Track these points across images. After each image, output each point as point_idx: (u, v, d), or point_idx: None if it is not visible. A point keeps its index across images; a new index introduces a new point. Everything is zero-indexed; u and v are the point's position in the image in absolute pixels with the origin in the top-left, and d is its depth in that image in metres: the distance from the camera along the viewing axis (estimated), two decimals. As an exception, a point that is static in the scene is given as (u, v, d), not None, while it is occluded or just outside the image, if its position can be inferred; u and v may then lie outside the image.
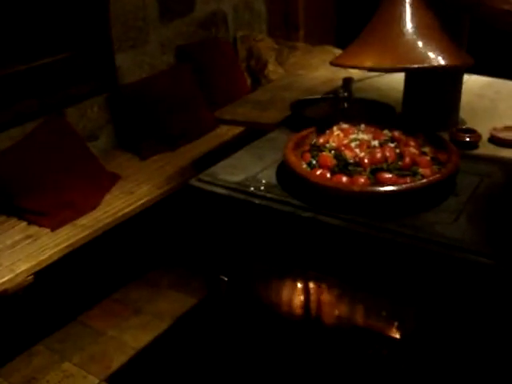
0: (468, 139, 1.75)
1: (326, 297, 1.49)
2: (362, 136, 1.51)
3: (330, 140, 1.51)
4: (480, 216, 1.36)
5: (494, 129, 1.83)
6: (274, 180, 1.54)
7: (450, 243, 1.26)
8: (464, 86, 1.88)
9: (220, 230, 1.59)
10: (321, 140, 1.54)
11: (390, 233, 1.31)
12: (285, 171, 1.52)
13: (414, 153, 1.46)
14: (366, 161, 1.42)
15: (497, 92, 2.20)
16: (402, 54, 1.48)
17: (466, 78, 1.91)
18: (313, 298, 1.52)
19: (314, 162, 1.48)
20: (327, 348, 1.53)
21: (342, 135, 1.53)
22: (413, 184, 1.36)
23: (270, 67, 3.31)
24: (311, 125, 1.74)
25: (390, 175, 1.39)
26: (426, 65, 1.48)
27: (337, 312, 1.50)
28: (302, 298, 1.54)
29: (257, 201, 1.47)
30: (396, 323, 1.44)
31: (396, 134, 1.53)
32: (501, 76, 2.33)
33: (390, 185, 1.35)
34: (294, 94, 2.40)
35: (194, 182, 1.58)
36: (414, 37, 1.47)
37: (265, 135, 1.88)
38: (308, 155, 1.52)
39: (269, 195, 1.47)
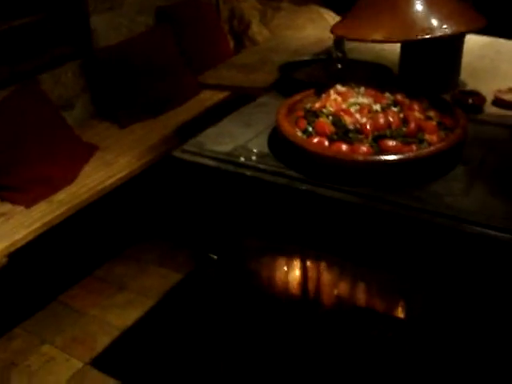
0: (472, 102, 1.63)
1: (326, 276, 1.38)
2: (362, 100, 1.38)
3: (327, 104, 1.38)
4: (493, 186, 1.24)
5: (499, 91, 1.71)
6: (266, 149, 1.41)
7: (460, 216, 1.15)
8: (464, 47, 1.75)
9: (208, 204, 1.46)
10: (317, 105, 1.40)
11: (396, 205, 1.20)
12: (278, 139, 1.39)
13: (418, 118, 1.33)
14: (367, 127, 1.29)
15: (497, 52, 2.08)
16: (414, 23, 1.34)
17: (467, 37, 1.77)
18: (311, 277, 1.41)
19: (311, 128, 1.34)
20: (327, 330, 1.43)
21: (339, 99, 1.39)
22: (420, 152, 1.23)
23: (254, 28, 3.13)
24: (303, 88, 1.60)
25: (395, 143, 1.27)
26: (440, 34, 1.35)
27: (337, 292, 1.39)
28: (299, 277, 1.43)
29: (248, 172, 1.34)
30: (401, 303, 1.34)
31: (399, 97, 1.40)
32: (501, 36, 2.20)
33: (395, 153, 1.23)
34: (283, 55, 2.25)
35: (178, 153, 1.44)
36: (425, 4, 1.33)
37: (253, 100, 1.74)
38: (303, 121, 1.38)
39: (261, 166, 1.34)
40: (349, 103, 1.37)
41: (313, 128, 1.34)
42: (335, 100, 1.39)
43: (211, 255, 1.48)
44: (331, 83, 1.52)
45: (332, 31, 1.47)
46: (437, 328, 1.28)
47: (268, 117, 1.57)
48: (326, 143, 1.30)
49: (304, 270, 1.41)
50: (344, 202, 1.24)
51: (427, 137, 1.30)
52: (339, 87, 1.46)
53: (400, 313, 1.35)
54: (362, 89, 1.44)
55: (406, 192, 1.22)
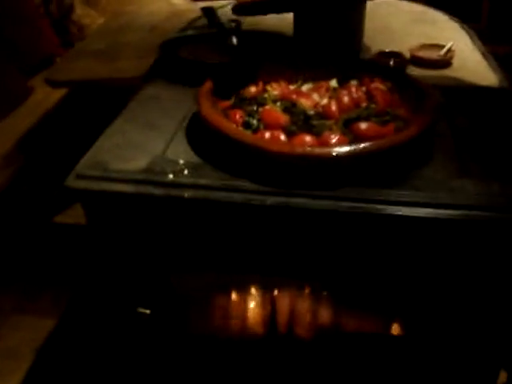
0: (394, 64, 1.43)
1: (303, 305, 1.07)
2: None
3: (268, 87, 1.05)
4: (482, 156, 1.04)
5: (411, 49, 1.54)
6: (195, 157, 1.04)
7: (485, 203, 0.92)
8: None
9: (127, 243, 1.05)
10: (252, 89, 1.06)
11: (403, 204, 0.93)
12: (211, 142, 1.03)
13: (382, 90, 1.07)
14: (333, 109, 0.99)
15: (390, 13, 1.92)
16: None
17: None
18: (282, 309, 1.09)
19: (255, 121, 1.01)
20: (306, 362, 1.13)
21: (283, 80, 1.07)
22: (409, 132, 0.97)
23: (78, 11, 2.62)
24: (198, 71, 1.26)
25: (369, 125, 0.99)
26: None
27: (318, 319, 1.09)
28: (263, 311, 1.10)
29: (186, 193, 0.96)
30: (395, 320, 1.09)
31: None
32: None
33: (380, 138, 0.96)
34: (139, 35, 1.85)
35: (72, 182, 1.00)
36: None
37: (131, 93, 1.34)
38: (238, 113, 1.04)
39: (201, 181, 0.97)
40: (297, 82, 1.06)
41: (258, 120, 1.01)
42: (278, 82, 1.06)
43: (141, 310, 1.08)
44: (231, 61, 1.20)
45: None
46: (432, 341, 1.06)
47: (169, 113, 1.20)
48: (283, 137, 0.98)
49: (271, 302, 1.09)
50: (327, 212, 0.94)
51: (397, 112, 1.04)
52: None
53: (394, 330, 1.09)
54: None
55: (404, 184, 0.96)
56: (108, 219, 1.03)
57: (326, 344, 1.11)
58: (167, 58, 1.40)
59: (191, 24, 1.81)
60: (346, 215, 0.94)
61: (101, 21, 2.55)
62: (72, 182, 1.00)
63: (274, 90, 1.04)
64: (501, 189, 0.95)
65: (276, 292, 1.08)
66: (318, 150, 0.91)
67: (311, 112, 0.99)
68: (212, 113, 1.02)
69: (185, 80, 1.33)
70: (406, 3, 2.05)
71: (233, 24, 1.43)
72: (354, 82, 1.06)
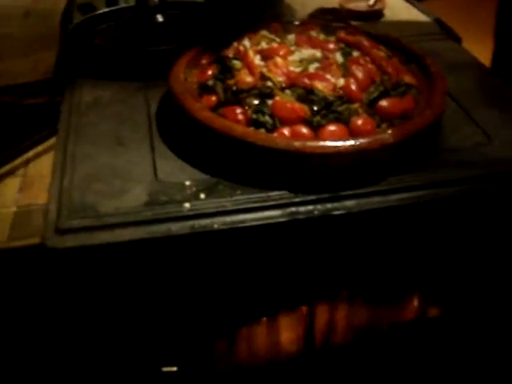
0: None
1: (344, 311, 0.96)
2: (308, 52, 0.92)
3: (268, 74, 0.87)
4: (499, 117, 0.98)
5: (340, 2, 1.43)
6: (198, 174, 0.84)
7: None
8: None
9: (140, 300, 0.83)
10: (247, 79, 0.88)
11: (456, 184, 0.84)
12: (214, 151, 0.85)
13: (384, 57, 0.95)
14: (354, 90, 0.86)
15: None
16: None
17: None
18: (320, 323, 0.96)
19: (267, 117, 0.84)
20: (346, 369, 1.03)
21: (279, 60, 0.90)
22: (440, 103, 0.88)
23: None
24: (141, 62, 1.05)
25: (391, 101, 0.88)
26: None
27: (355, 321, 0.99)
28: (296, 330, 0.97)
29: (216, 224, 0.78)
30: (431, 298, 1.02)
31: (342, 34, 0.98)
32: None
33: (404, 113, 0.85)
34: (14, 24, 1.51)
35: (57, 242, 0.75)
36: None
37: (61, 102, 1.07)
38: (236, 111, 0.86)
39: (228, 204, 0.79)
40: (299, 61, 0.90)
41: (270, 115, 0.84)
42: (275, 64, 0.88)
43: (167, 368, 0.88)
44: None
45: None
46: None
47: (127, 120, 0.98)
48: (305, 130, 0.83)
49: (310, 319, 0.95)
50: (376, 211, 0.82)
51: (407, 79, 0.94)
52: (247, 43, 0.95)
53: (430, 313, 1.03)
54: (292, 36, 0.96)
55: (443, 162, 0.87)
56: (109, 279, 0.80)
57: (364, 344, 1.01)
58: (88, 50, 1.13)
59: (73, 3, 1.50)
60: (395, 208, 0.82)
61: None
62: (55, 240, 0.75)
63: (275, 74, 0.86)
64: None
65: (311, 305, 0.94)
66: (368, 141, 0.78)
67: (332, 98, 0.84)
68: (213, 116, 0.83)
69: (120, 74, 1.09)
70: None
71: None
72: (356, 54, 0.92)
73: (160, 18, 1.20)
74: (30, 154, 2.31)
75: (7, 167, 2.28)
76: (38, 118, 2.22)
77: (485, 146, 0.90)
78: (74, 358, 0.83)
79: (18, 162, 2.30)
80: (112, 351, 0.84)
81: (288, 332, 0.95)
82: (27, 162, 2.29)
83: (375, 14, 1.41)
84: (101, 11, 1.26)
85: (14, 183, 2.21)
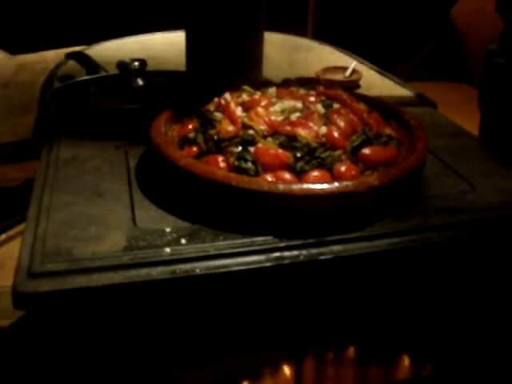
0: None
1: (332, 370, 0.90)
2: (289, 103, 0.92)
3: (250, 123, 0.87)
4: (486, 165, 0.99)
5: (317, 73, 1.48)
6: (179, 222, 0.82)
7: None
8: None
9: (115, 345, 0.77)
10: (229, 128, 0.88)
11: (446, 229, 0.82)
12: (196, 200, 0.82)
13: (364, 110, 0.96)
14: (337, 137, 0.86)
15: (294, 47, 1.85)
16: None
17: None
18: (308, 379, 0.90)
19: (249, 164, 0.83)
20: None
21: (261, 110, 0.90)
22: (423, 150, 0.88)
23: None
24: (118, 120, 1.05)
25: (374, 150, 0.88)
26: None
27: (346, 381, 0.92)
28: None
29: (198, 269, 0.74)
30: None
31: (322, 89, 0.99)
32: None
33: (388, 162, 0.85)
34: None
35: (29, 286, 0.70)
36: None
37: (39, 159, 1.05)
38: (218, 159, 0.85)
39: (211, 250, 0.76)
40: (280, 111, 0.90)
41: (253, 162, 0.83)
42: (257, 113, 0.89)
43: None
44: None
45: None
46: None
47: (106, 174, 0.96)
48: (287, 176, 0.82)
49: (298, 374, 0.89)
50: (364, 256, 0.79)
51: (387, 131, 0.95)
52: (228, 96, 0.96)
53: (424, 371, 0.98)
54: (273, 89, 0.97)
55: (430, 209, 0.86)
56: (84, 327, 0.74)
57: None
58: (69, 110, 1.13)
59: (54, 74, 1.52)
60: (383, 254, 0.80)
61: None
62: (25, 284, 0.70)
63: (257, 123, 0.86)
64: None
65: (297, 363, 0.89)
66: (353, 184, 0.77)
67: (315, 144, 0.84)
68: (195, 162, 0.82)
69: (97, 133, 1.09)
70: (269, 33, 2.01)
71: (136, 64, 1.21)
72: (337, 105, 0.93)
73: (140, 82, 1.21)
74: (3, 236, 2.26)
75: (-23, 249, 2.22)
76: (12, 201, 2.19)
77: (469, 193, 0.90)
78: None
79: (-13, 244, 2.23)
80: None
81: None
82: (-1, 245, 2.23)
83: (352, 85, 1.45)
84: (81, 78, 1.27)
85: (-17, 266, 2.14)
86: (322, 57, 1.72)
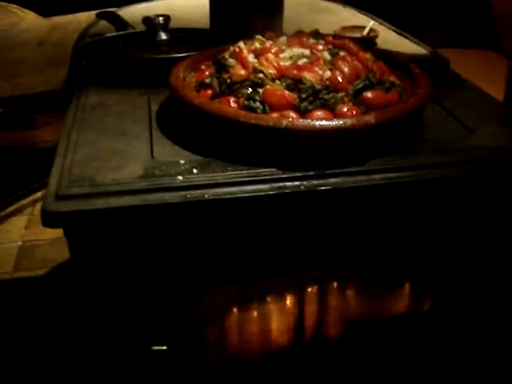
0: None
1: (334, 300, 0.97)
2: (298, 51, 0.98)
3: (260, 67, 0.94)
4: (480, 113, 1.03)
5: (336, 31, 1.52)
6: (192, 155, 0.89)
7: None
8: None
9: (133, 268, 0.86)
10: (241, 72, 0.94)
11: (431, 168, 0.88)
12: (208, 136, 0.90)
13: (370, 59, 1.02)
14: (340, 80, 0.92)
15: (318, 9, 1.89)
16: None
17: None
18: (309, 313, 0.97)
19: (257, 103, 0.89)
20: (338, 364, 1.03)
21: (271, 56, 0.96)
22: (422, 94, 0.93)
23: None
24: (144, 70, 1.12)
25: (376, 93, 0.93)
26: None
27: (347, 312, 1.00)
28: (288, 318, 0.98)
29: (206, 194, 0.82)
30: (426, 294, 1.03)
31: (330, 39, 1.05)
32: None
33: (388, 105, 0.91)
34: (29, 50, 1.62)
35: (55, 206, 0.79)
36: None
37: (69, 104, 1.13)
38: (230, 100, 0.92)
39: (219, 178, 0.83)
40: (289, 57, 0.96)
41: (261, 102, 0.90)
42: (267, 59, 0.95)
43: (156, 347, 0.89)
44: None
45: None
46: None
47: (129, 116, 1.04)
48: (293, 115, 0.88)
49: (299, 303, 0.97)
50: (362, 188, 0.86)
51: (392, 79, 1.00)
52: (242, 45, 1.02)
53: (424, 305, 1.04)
54: (284, 38, 1.03)
55: (425, 148, 0.92)
56: (104, 245, 0.83)
57: (356, 338, 1.01)
58: (98, 61, 1.21)
59: (86, 33, 1.61)
60: (380, 188, 0.86)
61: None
62: (53, 205, 0.79)
63: (268, 68, 0.93)
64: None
65: (301, 292, 0.96)
66: (352, 121, 0.83)
67: (319, 86, 0.90)
68: (209, 101, 0.89)
69: (123, 82, 1.17)
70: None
71: (161, 19, 1.28)
72: (343, 53, 0.99)
73: (164, 36, 1.28)
74: (39, 194, 2.39)
75: (16, 206, 2.36)
76: (47, 162, 2.31)
77: (467, 137, 0.95)
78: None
79: (26, 201, 2.37)
80: (104, 325, 0.86)
81: (278, 322, 0.96)
82: (35, 202, 2.36)
83: (368, 42, 1.49)
84: (110, 34, 1.35)
85: (21, 221, 2.28)
86: (344, 18, 1.76)
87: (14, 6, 2.52)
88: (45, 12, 2.46)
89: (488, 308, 1.02)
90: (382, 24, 1.69)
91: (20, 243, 2.13)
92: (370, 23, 1.54)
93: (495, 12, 2.76)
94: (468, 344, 1.03)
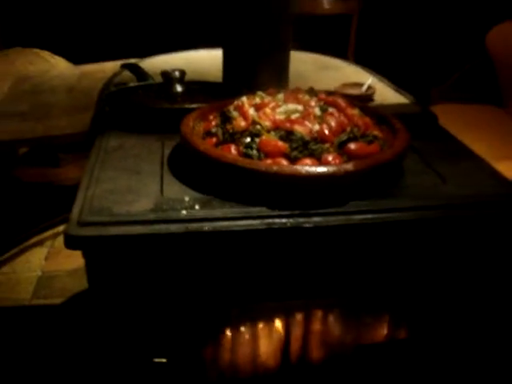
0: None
1: (318, 326, 1.09)
2: (292, 107, 1.13)
3: (257, 119, 1.09)
4: (455, 165, 1.16)
5: (336, 88, 1.67)
6: (196, 194, 1.03)
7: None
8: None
9: (140, 289, 0.99)
10: (241, 123, 1.09)
11: (404, 211, 1.01)
12: (211, 177, 1.04)
13: (356, 115, 1.16)
14: (327, 133, 1.06)
15: (324, 66, 2.06)
16: None
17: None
18: (295, 337, 1.09)
19: (254, 151, 1.04)
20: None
21: (268, 110, 1.11)
22: (400, 147, 1.07)
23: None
24: (160, 118, 1.27)
25: (359, 145, 1.07)
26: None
27: (330, 337, 1.11)
28: (275, 342, 1.10)
29: (206, 227, 0.95)
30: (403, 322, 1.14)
31: (323, 96, 1.20)
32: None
33: (370, 155, 1.04)
34: (59, 96, 1.80)
35: (77, 231, 0.94)
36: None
37: (92, 146, 1.29)
38: (231, 147, 1.06)
39: (217, 213, 0.97)
40: (284, 112, 1.11)
41: (257, 150, 1.04)
42: (265, 113, 1.10)
43: (158, 360, 1.02)
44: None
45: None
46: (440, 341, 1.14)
47: (144, 159, 1.19)
48: (284, 162, 1.02)
49: (287, 327, 1.09)
50: (341, 227, 0.99)
51: (376, 133, 1.14)
52: (245, 99, 1.18)
53: (401, 334, 1.15)
54: (281, 95, 1.19)
55: (400, 193, 1.05)
56: (117, 267, 0.97)
57: (337, 362, 1.12)
58: (120, 109, 1.38)
59: (111, 82, 1.79)
60: (357, 227, 0.99)
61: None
62: (75, 230, 0.93)
63: (265, 121, 1.07)
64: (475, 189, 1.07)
65: (288, 317, 1.08)
66: (333, 169, 0.97)
67: (308, 138, 1.04)
68: (212, 148, 1.04)
69: (141, 128, 1.32)
70: (303, 53, 2.22)
71: (177, 73, 1.45)
72: (332, 109, 1.14)
73: (179, 88, 1.44)
74: (60, 228, 2.54)
75: (37, 238, 2.51)
76: (69, 198, 2.47)
77: (440, 185, 1.08)
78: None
79: (47, 234, 2.52)
80: (112, 336, 0.99)
81: (266, 344, 1.08)
82: (55, 236, 2.51)
83: (365, 99, 1.64)
84: (131, 84, 1.52)
85: (41, 252, 2.43)
86: (346, 75, 1.92)
87: (47, 52, 2.75)
88: (73, 57, 2.69)
89: (462, 337, 1.13)
90: (381, 81, 1.84)
91: (39, 273, 2.27)
92: (369, 80, 1.69)
93: (498, 69, 2.92)
94: (443, 372, 1.13)
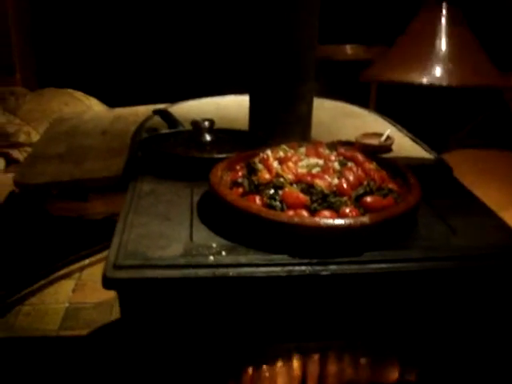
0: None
1: (333, 367, 1.15)
2: (313, 161, 1.22)
3: (281, 173, 1.18)
4: (465, 217, 1.24)
5: (357, 138, 1.76)
6: (223, 241, 1.12)
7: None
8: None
9: (172, 330, 1.08)
10: (266, 176, 1.18)
11: (415, 261, 1.08)
12: (236, 226, 1.13)
13: (373, 169, 1.24)
14: (345, 187, 1.14)
15: (346, 114, 2.16)
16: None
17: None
18: (311, 374, 1.16)
19: (277, 202, 1.12)
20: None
21: (291, 164, 1.20)
22: (412, 202, 1.15)
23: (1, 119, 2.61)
24: (188, 167, 1.37)
25: (374, 198, 1.15)
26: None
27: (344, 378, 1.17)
28: (296, 379, 1.16)
29: (231, 272, 1.04)
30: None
31: (342, 151, 1.29)
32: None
33: (384, 208, 1.12)
34: (94, 138, 1.92)
35: (113, 273, 1.03)
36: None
37: (127, 191, 1.39)
38: (256, 198, 1.15)
39: (242, 260, 1.05)
40: (305, 166, 1.20)
41: (280, 201, 1.13)
42: (287, 166, 1.19)
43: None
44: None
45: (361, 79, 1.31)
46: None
47: (175, 205, 1.28)
48: (305, 213, 1.11)
49: (304, 369, 1.16)
50: (355, 275, 1.06)
51: (391, 186, 1.22)
52: (269, 153, 1.27)
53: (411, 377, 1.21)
54: (303, 149, 1.28)
55: (412, 244, 1.12)
56: (148, 306, 1.05)
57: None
58: (152, 156, 1.48)
59: (143, 126, 1.90)
60: (370, 276, 1.06)
61: (27, 129, 2.56)
62: (112, 272, 1.02)
63: (287, 174, 1.17)
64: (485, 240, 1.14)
65: (304, 358, 1.15)
66: (350, 221, 1.05)
67: (327, 191, 1.13)
68: (238, 198, 1.13)
69: (171, 174, 1.42)
70: (325, 100, 2.32)
71: (206, 123, 1.55)
72: (350, 164, 1.22)
73: (208, 137, 1.55)
74: (86, 261, 2.64)
75: (65, 270, 2.60)
76: (96, 232, 2.58)
77: (450, 237, 1.15)
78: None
79: (75, 267, 2.62)
80: (136, 371, 1.07)
81: (284, 382, 1.15)
82: (82, 268, 2.61)
83: (384, 149, 1.73)
84: (163, 131, 1.63)
85: (69, 284, 2.52)
86: (367, 123, 2.01)
87: (80, 93, 2.90)
88: (105, 98, 2.83)
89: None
90: (400, 130, 1.93)
91: (67, 305, 2.35)
92: (387, 131, 1.78)
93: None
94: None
